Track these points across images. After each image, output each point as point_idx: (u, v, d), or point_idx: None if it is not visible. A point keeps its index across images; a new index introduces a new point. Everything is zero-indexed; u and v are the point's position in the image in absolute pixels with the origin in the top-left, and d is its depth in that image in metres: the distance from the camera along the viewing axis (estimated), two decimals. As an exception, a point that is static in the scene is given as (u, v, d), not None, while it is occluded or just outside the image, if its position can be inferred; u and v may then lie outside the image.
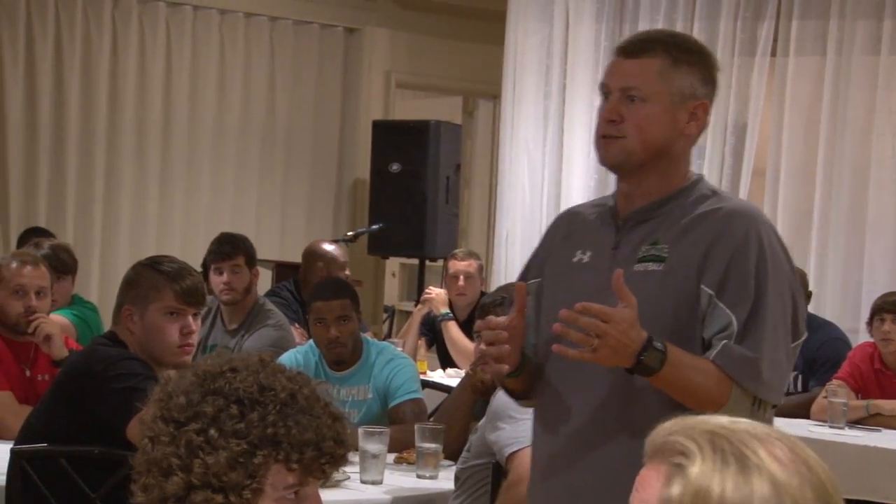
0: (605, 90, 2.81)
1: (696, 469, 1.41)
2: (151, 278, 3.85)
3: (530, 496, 2.94)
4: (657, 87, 2.74)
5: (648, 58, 2.77)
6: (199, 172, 8.92)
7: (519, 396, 2.97)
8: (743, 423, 1.46)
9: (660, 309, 2.66)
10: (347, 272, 6.95)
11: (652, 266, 2.73)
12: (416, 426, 4.34)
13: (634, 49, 2.80)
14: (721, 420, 1.46)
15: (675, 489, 1.42)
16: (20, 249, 5.57)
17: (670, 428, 1.47)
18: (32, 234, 7.14)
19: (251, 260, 6.29)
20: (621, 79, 2.78)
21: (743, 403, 2.65)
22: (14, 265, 4.78)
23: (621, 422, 2.72)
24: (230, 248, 6.25)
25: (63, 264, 5.75)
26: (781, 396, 2.74)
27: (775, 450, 1.43)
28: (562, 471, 2.80)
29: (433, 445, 4.27)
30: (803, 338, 2.77)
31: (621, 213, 2.83)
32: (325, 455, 1.88)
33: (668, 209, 2.78)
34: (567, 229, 2.92)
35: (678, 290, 2.69)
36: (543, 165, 8.78)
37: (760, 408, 2.68)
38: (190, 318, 3.84)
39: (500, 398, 3.95)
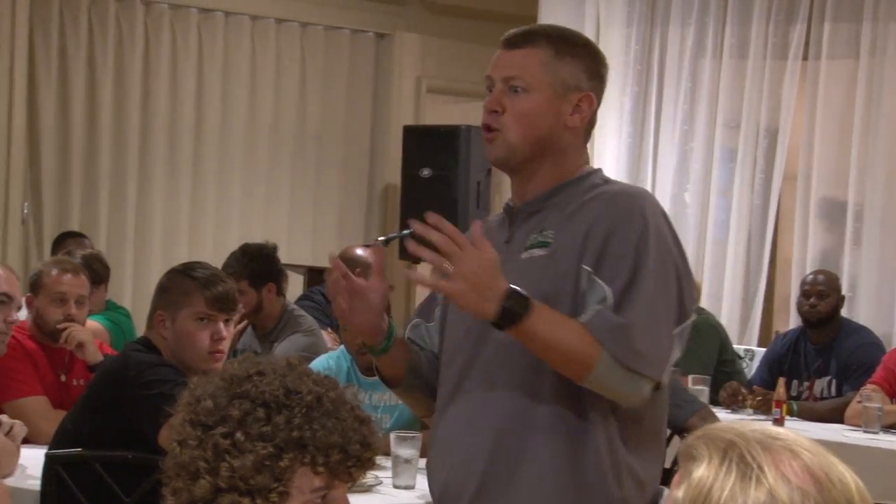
0: (489, 82, 2.79)
1: (699, 474, 1.43)
2: (183, 284, 3.87)
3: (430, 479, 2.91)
4: (540, 77, 2.73)
5: (532, 48, 2.75)
6: (231, 178, 8.95)
7: (389, 383, 2.93)
8: (765, 433, 1.47)
9: (541, 292, 2.61)
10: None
11: (537, 252, 2.71)
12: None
13: (518, 40, 2.78)
14: (745, 429, 1.47)
15: (681, 492, 1.44)
16: (57, 257, 5.58)
17: (698, 433, 1.49)
18: (68, 238, 7.19)
19: (257, 279, 6.08)
20: (504, 69, 2.76)
21: (613, 371, 2.57)
22: (55, 272, 4.80)
23: (521, 427, 2.68)
24: (230, 270, 5.81)
25: (96, 274, 5.78)
26: (662, 373, 2.63)
27: (784, 464, 1.43)
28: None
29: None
30: (689, 321, 2.69)
31: (515, 209, 2.83)
32: (351, 458, 1.89)
33: (557, 199, 2.76)
34: None
35: (560, 272, 2.66)
36: (574, 169, 8.76)
37: (640, 381, 2.60)
38: (221, 325, 3.85)
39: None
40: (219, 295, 3.85)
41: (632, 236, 2.63)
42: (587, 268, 2.62)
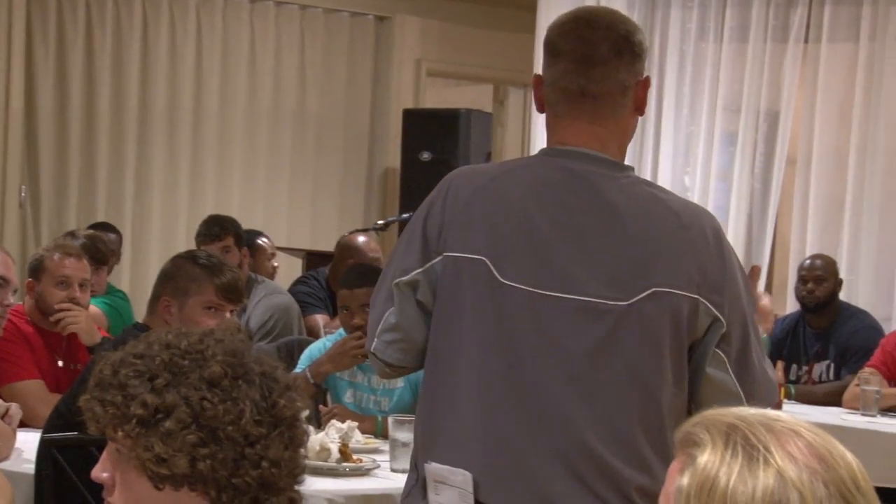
0: None
1: (704, 459, 1.43)
2: (191, 272, 3.85)
3: None
4: None
5: None
6: (230, 162, 8.93)
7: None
8: (765, 415, 1.46)
9: None
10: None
11: None
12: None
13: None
14: (744, 413, 1.47)
15: (685, 479, 1.44)
16: (58, 241, 5.56)
17: (695, 420, 1.48)
18: (97, 229, 7.23)
19: (240, 239, 6.45)
20: None
21: None
22: (57, 256, 4.80)
23: None
24: (218, 230, 6.43)
25: (102, 255, 5.81)
26: (370, 342, 2.78)
27: (789, 444, 1.42)
28: None
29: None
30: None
31: None
32: None
33: None
34: None
35: None
36: (574, 153, 8.75)
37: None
38: (228, 315, 3.84)
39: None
40: (228, 284, 3.84)
41: None
42: None
